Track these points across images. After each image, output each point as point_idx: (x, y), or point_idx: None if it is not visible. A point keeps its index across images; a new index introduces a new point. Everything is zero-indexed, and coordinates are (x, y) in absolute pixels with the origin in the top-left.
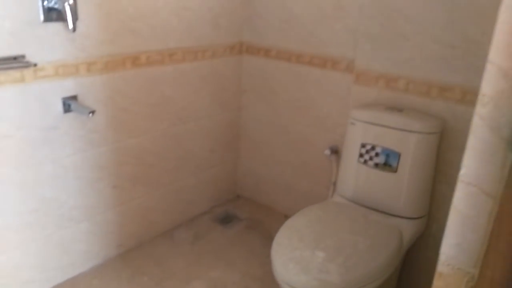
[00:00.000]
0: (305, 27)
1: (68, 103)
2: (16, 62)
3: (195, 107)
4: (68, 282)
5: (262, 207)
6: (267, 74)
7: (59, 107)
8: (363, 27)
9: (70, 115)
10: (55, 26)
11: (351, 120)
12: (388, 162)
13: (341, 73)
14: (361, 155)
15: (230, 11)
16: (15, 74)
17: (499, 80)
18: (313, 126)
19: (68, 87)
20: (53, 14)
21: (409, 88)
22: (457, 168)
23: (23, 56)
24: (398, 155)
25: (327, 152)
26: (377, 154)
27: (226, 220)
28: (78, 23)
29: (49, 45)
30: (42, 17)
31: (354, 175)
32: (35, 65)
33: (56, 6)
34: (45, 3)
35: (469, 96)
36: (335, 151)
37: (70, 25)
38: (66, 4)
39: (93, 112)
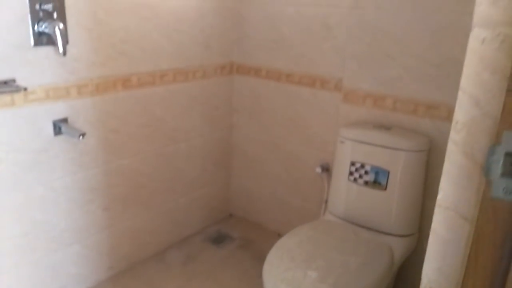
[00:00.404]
0: (294, 47)
1: (59, 126)
2: (6, 86)
3: (187, 127)
4: None
5: (254, 225)
6: (258, 94)
7: (50, 130)
8: (350, 47)
9: (60, 137)
10: (46, 50)
11: (340, 139)
12: (377, 180)
13: (330, 92)
14: (351, 173)
15: (221, 32)
16: (5, 98)
17: (471, 107)
18: (304, 144)
19: (58, 110)
20: (43, 38)
21: (397, 107)
22: None
23: (13, 80)
24: (387, 173)
25: (318, 169)
26: (366, 172)
27: (219, 240)
28: (69, 47)
29: (39, 68)
30: (32, 42)
31: (344, 193)
32: (25, 89)
33: (46, 31)
34: (36, 27)
35: None
36: (326, 169)
37: (61, 49)
38: (56, 28)
39: (83, 134)
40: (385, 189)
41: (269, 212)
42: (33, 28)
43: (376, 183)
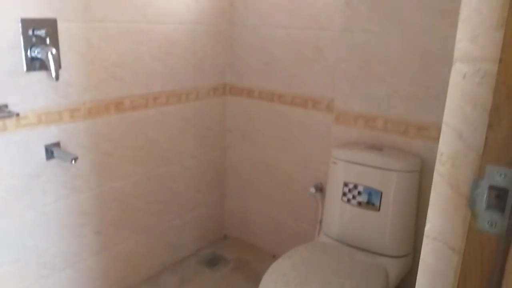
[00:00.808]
0: (286, 69)
1: (51, 150)
2: None
3: (180, 148)
4: None
5: (249, 246)
6: (251, 114)
7: (42, 154)
8: (340, 69)
9: (52, 161)
10: (38, 75)
11: (333, 159)
12: (370, 200)
13: (322, 112)
14: (344, 194)
15: (213, 55)
16: None
17: (455, 140)
18: (297, 164)
19: (51, 134)
20: (36, 64)
21: (388, 127)
22: None
23: (5, 106)
24: (380, 194)
25: (312, 190)
26: (359, 193)
27: (213, 262)
28: (62, 71)
29: (32, 93)
30: (25, 67)
31: (338, 214)
32: (17, 114)
33: (39, 56)
34: (29, 53)
35: None
36: (320, 189)
37: (53, 74)
38: (49, 53)
39: (75, 158)
40: (379, 209)
41: (264, 233)
42: (25, 53)
43: (369, 204)
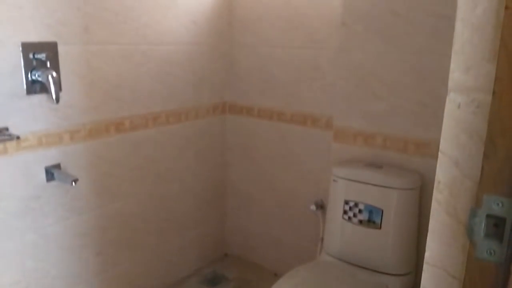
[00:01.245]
0: (285, 87)
1: (51, 172)
2: None
3: (180, 167)
4: None
5: (251, 265)
6: (251, 132)
7: (42, 176)
8: (338, 87)
9: (53, 183)
10: (39, 97)
11: (333, 177)
12: (371, 218)
13: (321, 130)
14: (345, 212)
15: (213, 74)
16: None
17: (452, 168)
18: (298, 181)
19: (51, 156)
20: (36, 86)
21: (387, 145)
22: None
23: (6, 129)
24: (381, 212)
25: (313, 207)
26: (360, 211)
27: (214, 281)
28: (62, 94)
29: (32, 116)
30: (25, 90)
31: (339, 232)
32: (18, 137)
33: (39, 79)
34: (29, 76)
35: None
36: (321, 206)
37: (54, 97)
38: (49, 76)
39: (76, 180)
40: (380, 227)
41: (265, 251)
42: (26, 76)
43: (370, 222)
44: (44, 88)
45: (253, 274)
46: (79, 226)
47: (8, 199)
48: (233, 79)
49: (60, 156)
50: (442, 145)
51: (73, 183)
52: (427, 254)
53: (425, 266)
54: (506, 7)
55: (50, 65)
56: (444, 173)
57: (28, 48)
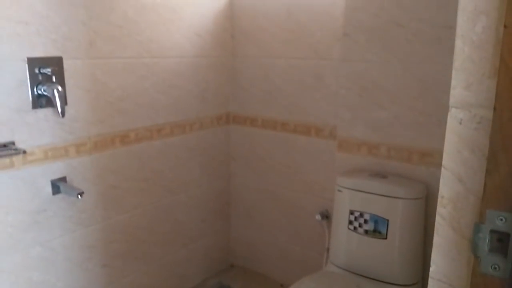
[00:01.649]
0: (288, 97)
1: (57, 185)
2: (5, 149)
3: (185, 178)
4: None
5: (256, 275)
6: (254, 142)
7: (48, 189)
8: (341, 97)
9: (59, 196)
10: (45, 111)
11: (338, 188)
12: (377, 228)
13: (325, 139)
14: (350, 222)
15: (216, 85)
16: (4, 160)
17: (455, 184)
18: (302, 191)
19: (57, 169)
20: (42, 101)
21: (391, 155)
22: None
23: (12, 143)
24: (386, 222)
25: (318, 217)
26: (365, 221)
27: None
28: (67, 108)
29: (38, 130)
30: (31, 104)
31: (345, 242)
32: (24, 152)
33: (45, 93)
34: (35, 90)
35: None
36: (326, 216)
37: (59, 111)
38: (55, 91)
39: (81, 193)
40: (386, 238)
41: (271, 262)
42: (32, 91)
43: (376, 232)
44: (50, 102)
45: (259, 285)
46: (86, 238)
47: (14, 213)
48: (236, 90)
49: (66, 169)
50: (445, 160)
51: (79, 196)
52: (432, 269)
53: (430, 281)
54: (505, 26)
55: (55, 79)
56: (447, 188)
57: (33, 63)
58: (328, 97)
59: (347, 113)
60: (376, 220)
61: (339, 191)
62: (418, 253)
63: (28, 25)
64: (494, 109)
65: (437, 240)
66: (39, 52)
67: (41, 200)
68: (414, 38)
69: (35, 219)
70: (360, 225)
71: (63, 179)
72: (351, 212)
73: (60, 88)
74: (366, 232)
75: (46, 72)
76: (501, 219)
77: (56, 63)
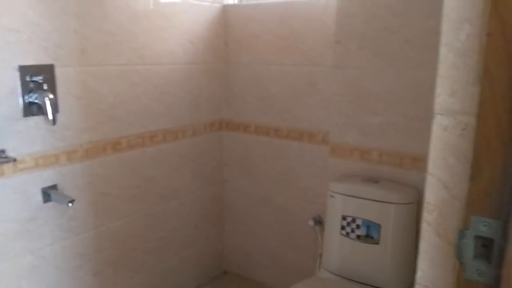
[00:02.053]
0: (281, 103)
1: (48, 193)
2: None
3: (177, 184)
4: None
5: (249, 282)
6: (248, 148)
7: (39, 197)
8: (334, 103)
9: (49, 204)
10: (35, 119)
11: (330, 193)
12: (369, 234)
13: (318, 145)
14: (342, 228)
15: (209, 92)
16: None
17: (440, 190)
18: (295, 197)
19: (48, 177)
20: (33, 108)
21: (383, 160)
22: None
23: (2, 151)
24: (378, 227)
25: (311, 222)
26: (358, 226)
27: None
28: (59, 115)
29: (29, 138)
30: (22, 112)
31: (338, 247)
32: (14, 160)
33: (36, 101)
34: (26, 98)
35: None
36: (319, 221)
37: (50, 118)
38: (46, 99)
39: (72, 201)
40: (378, 243)
41: (264, 268)
42: (23, 99)
43: (368, 237)
44: (41, 110)
45: None
46: (77, 246)
47: (4, 221)
48: (229, 96)
49: (57, 177)
50: (431, 167)
51: (70, 204)
52: (418, 275)
53: (417, 287)
54: (488, 34)
55: (47, 87)
56: (433, 194)
57: (25, 71)
58: (321, 103)
59: (339, 119)
60: (368, 225)
61: (332, 196)
62: (410, 258)
63: (19, 33)
64: (478, 116)
65: (423, 246)
66: (30, 60)
67: (31, 208)
68: (406, 44)
69: (26, 227)
70: (352, 230)
71: (54, 187)
72: (344, 218)
73: (51, 96)
74: (359, 237)
75: (37, 80)
76: (485, 225)
77: (48, 70)
